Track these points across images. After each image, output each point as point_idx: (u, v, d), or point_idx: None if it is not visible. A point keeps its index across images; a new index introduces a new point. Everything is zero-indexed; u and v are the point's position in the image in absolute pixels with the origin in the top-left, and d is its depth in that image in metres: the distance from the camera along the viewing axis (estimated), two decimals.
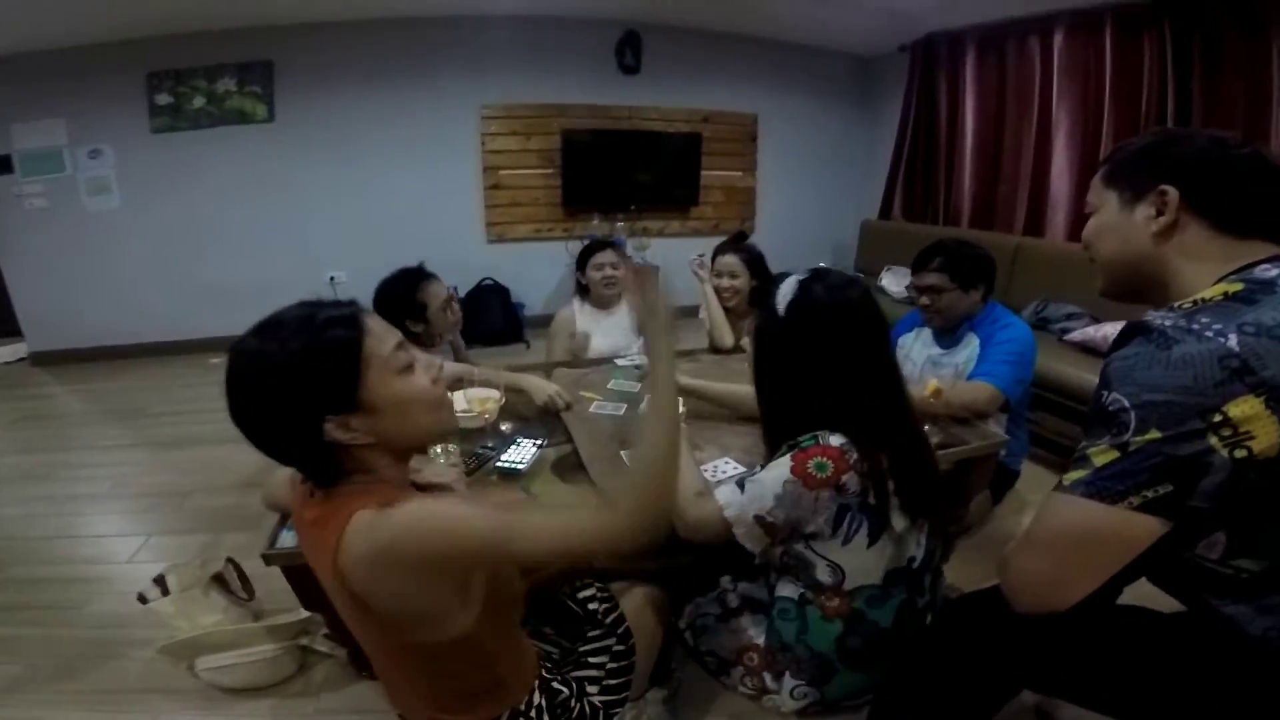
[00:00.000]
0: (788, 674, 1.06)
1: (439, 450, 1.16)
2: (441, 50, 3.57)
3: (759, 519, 0.93)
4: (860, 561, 0.96)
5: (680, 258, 3.99)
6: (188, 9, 3.05)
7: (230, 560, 1.34)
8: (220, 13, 3.18)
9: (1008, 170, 3.56)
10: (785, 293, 0.99)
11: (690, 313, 2.05)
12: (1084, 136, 3.18)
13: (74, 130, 3.36)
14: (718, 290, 2.10)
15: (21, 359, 3.59)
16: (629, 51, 3.77)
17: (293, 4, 3.20)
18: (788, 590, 1.04)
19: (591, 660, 0.94)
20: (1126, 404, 0.60)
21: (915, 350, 1.86)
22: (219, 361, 0.67)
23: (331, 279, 3.48)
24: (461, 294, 3.71)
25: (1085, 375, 2.07)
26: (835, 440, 0.92)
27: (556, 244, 3.94)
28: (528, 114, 3.73)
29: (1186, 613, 0.74)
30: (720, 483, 1.05)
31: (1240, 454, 0.57)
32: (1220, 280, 0.67)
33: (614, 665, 0.94)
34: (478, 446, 1.31)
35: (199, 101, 3.47)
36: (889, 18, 3.62)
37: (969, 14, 3.48)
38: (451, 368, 1.33)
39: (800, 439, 0.94)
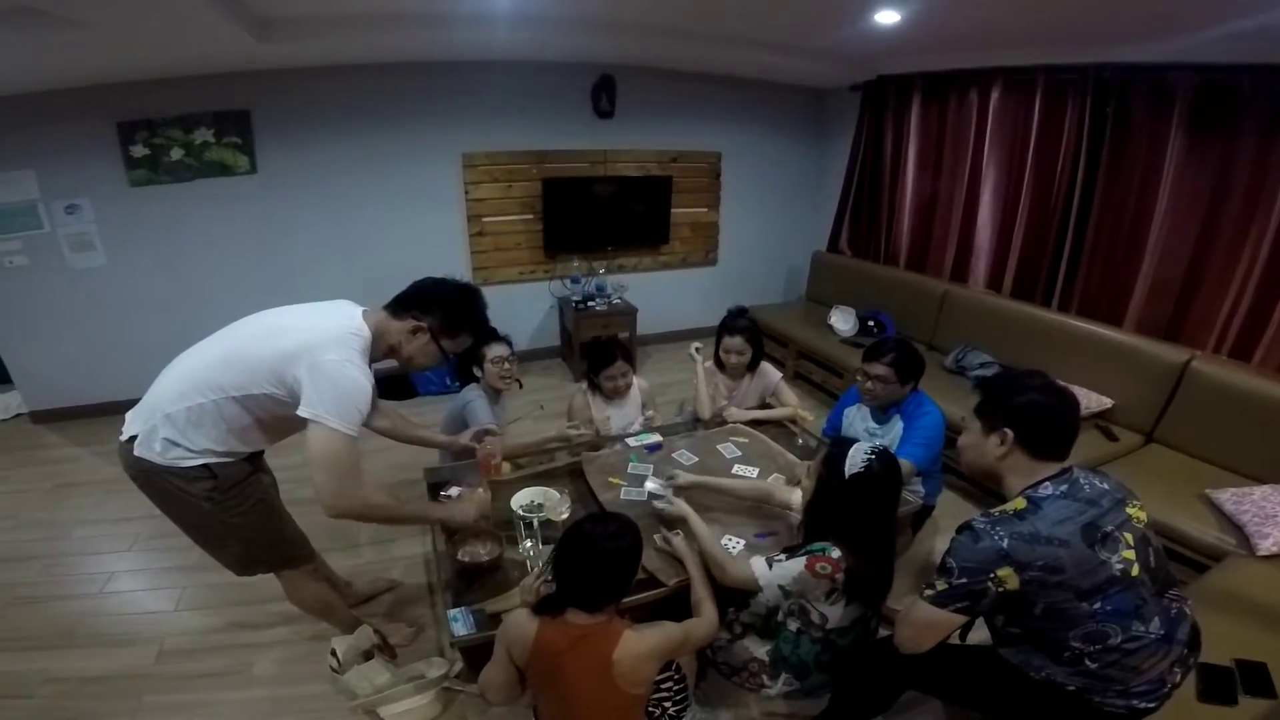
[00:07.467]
0: (782, 675, 1.84)
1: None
2: (420, 98, 3.94)
3: (781, 587, 1.67)
4: (836, 613, 1.72)
5: (652, 292, 4.71)
6: (154, 55, 3.20)
7: (376, 631, 2.00)
8: (189, 59, 3.35)
9: (941, 215, 4.12)
10: (853, 464, 1.64)
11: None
12: (1006, 192, 3.74)
13: (46, 182, 3.56)
14: (726, 364, 2.81)
15: (19, 414, 3.91)
16: (604, 96, 4.26)
17: (264, 50, 3.29)
18: (792, 625, 1.81)
19: (663, 687, 1.68)
20: (954, 565, 1.35)
21: (856, 422, 2.60)
22: None
23: None
24: None
25: None
26: (835, 554, 1.62)
27: (540, 284, 4.54)
28: (508, 161, 4.19)
29: (991, 648, 1.54)
30: (749, 556, 1.77)
31: (1001, 589, 1.31)
32: (1021, 492, 1.37)
33: (677, 688, 1.69)
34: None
35: (177, 153, 3.75)
36: (843, 62, 4.15)
37: (918, 62, 3.96)
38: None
39: (813, 546, 1.65)
